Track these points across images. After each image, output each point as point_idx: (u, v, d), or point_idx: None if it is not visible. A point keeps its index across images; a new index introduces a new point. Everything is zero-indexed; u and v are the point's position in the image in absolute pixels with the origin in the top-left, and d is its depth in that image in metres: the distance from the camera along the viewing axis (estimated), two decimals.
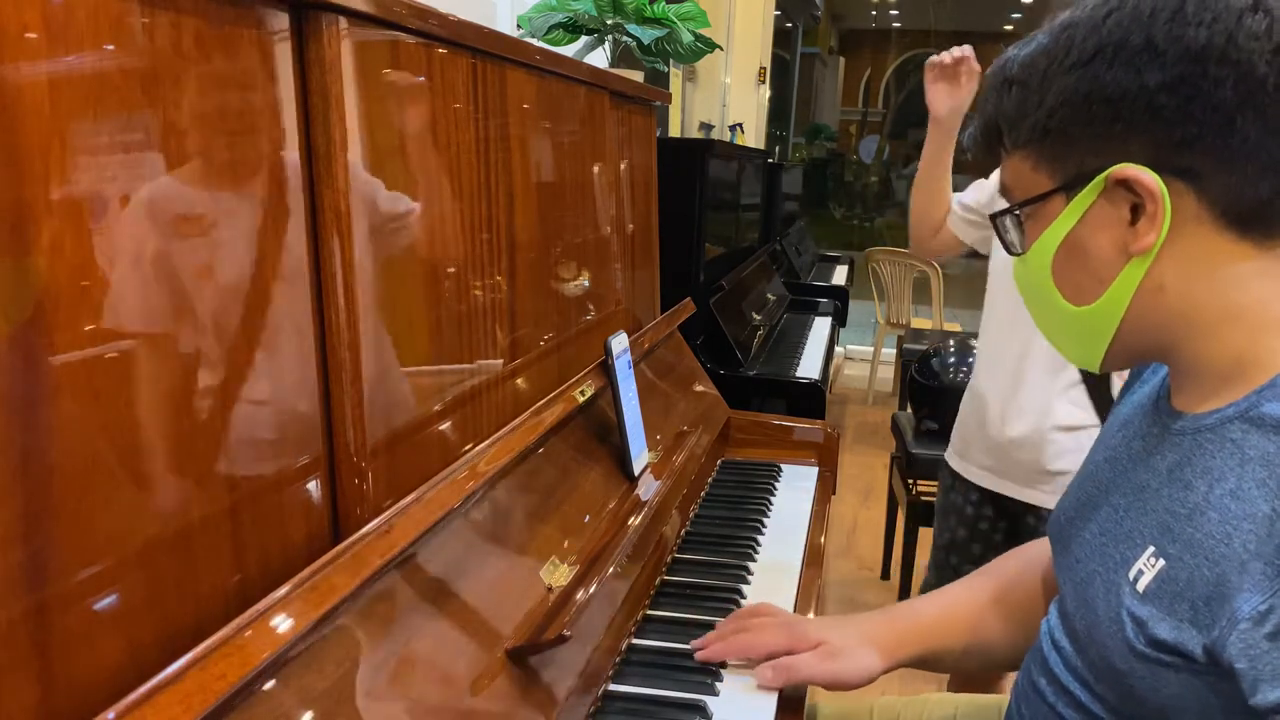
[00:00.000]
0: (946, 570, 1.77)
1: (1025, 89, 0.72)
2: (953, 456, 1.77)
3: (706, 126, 4.68)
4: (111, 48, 0.54)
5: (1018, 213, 0.76)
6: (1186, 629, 0.66)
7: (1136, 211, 0.69)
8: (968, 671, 1.58)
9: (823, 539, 1.44)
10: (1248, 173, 0.66)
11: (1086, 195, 0.71)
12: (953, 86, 1.68)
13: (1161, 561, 0.69)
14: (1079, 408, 1.55)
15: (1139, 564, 0.71)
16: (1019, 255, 0.78)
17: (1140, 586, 0.70)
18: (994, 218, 0.78)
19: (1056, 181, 0.72)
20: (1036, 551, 1.04)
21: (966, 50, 1.67)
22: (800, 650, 0.99)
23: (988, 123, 0.77)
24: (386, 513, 0.76)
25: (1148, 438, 0.78)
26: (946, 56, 1.68)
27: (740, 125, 4.75)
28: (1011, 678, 1.63)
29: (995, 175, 1.66)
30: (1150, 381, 0.85)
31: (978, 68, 1.67)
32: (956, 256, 1.82)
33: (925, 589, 1.82)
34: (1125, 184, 0.68)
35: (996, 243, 1.61)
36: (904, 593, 2.79)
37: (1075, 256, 0.73)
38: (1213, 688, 0.65)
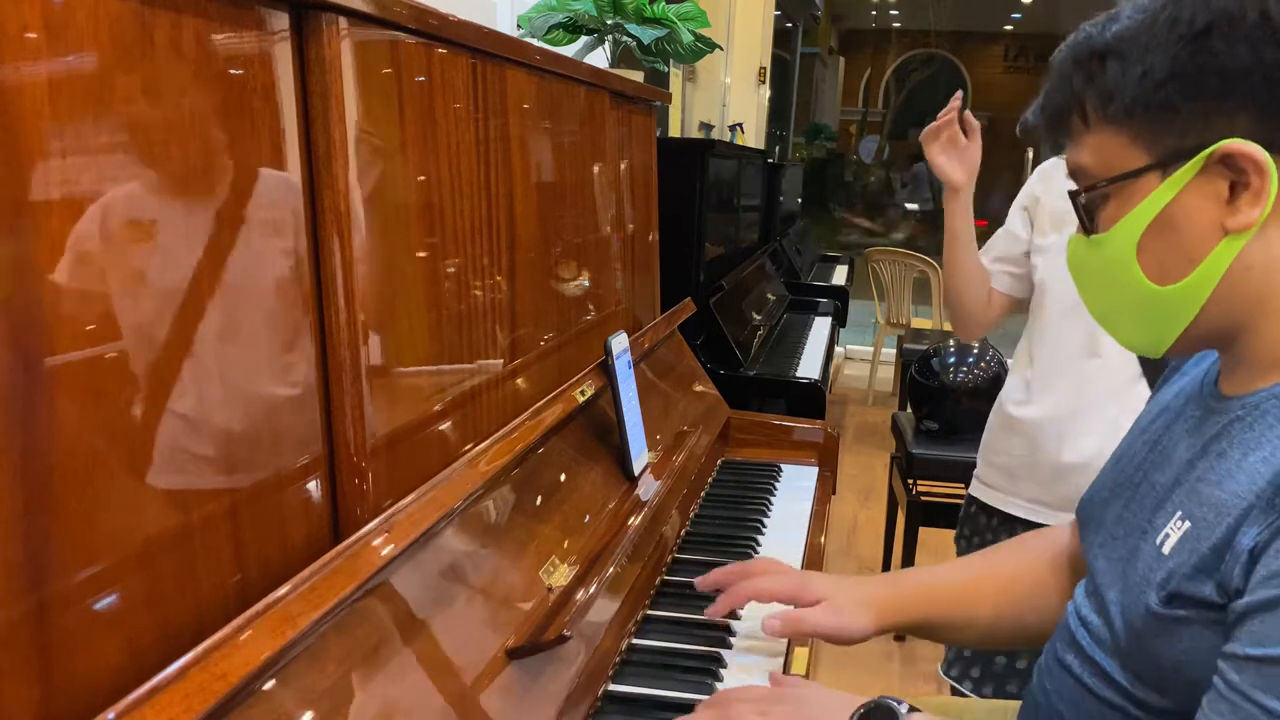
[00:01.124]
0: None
1: (1124, 61, 0.71)
2: (987, 491, 1.69)
3: (706, 126, 4.68)
4: (111, 48, 0.54)
5: (1104, 189, 0.75)
6: (1200, 578, 0.68)
7: (1234, 188, 0.69)
8: (991, 644, 1.48)
9: (823, 539, 1.44)
10: None
11: (1187, 171, 0.70)
12: (959, 150, 1.54)
13: (1186, 523, 0.71)
14: None
15: (1166, 528, 0.73)
16: (1097, 235, 0.77)
17: (1165, 549, 0.72)
18: (1074, 195, 0.77)
19: (1153, 157, 0.71)
20: (1058, 534, 1.06)
21: (957, 100, 1.54)
22: (804, 602, 1.01)
23: (1065, 100, 0.75)
24: (386, 513, 0.76)
25: (1189, 420, 0.80)
26: (940, 118, 1.53)
27: (740, 125, 4.75)
28: None
29: (1016, 219, 1.64)
30: (1191, 373, 0.86)
31: (976, 123, 1.54)
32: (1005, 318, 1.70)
33: None
34: (1227, 159, 0.68)
35: (1049, 270, 1.57)
36: None
37: (1166, 234, 0.72)
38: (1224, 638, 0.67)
